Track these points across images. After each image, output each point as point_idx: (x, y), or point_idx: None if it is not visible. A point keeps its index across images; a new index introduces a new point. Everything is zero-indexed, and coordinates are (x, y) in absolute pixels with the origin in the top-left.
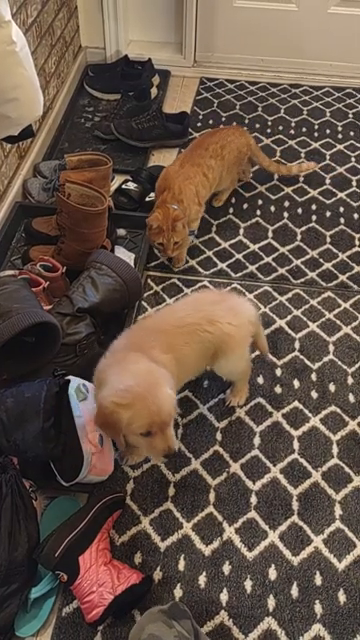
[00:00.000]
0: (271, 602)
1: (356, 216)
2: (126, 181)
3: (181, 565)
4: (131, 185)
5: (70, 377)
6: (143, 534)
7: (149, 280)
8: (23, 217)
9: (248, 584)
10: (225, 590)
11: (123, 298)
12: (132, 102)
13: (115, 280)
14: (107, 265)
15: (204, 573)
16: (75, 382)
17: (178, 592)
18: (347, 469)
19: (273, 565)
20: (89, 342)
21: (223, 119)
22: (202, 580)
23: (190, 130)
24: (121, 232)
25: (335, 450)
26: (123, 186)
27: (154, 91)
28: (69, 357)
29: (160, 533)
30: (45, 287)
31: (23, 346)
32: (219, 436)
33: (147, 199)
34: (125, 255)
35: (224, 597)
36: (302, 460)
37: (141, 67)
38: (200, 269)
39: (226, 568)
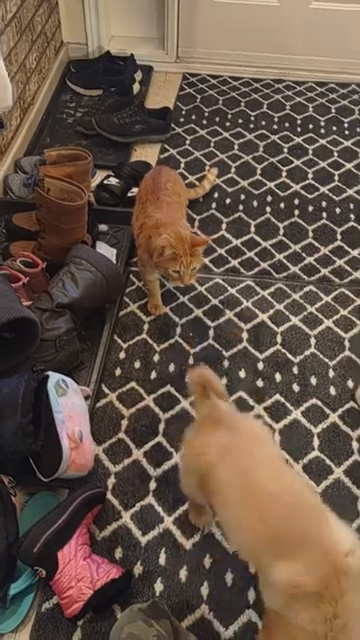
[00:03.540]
0: (251, 594)
1: (338, 210)
2: (108, 176)
3: (162, 559)
4: (113, 180)
5: (49, 372)
6: (124, 529)
7: (131, 276)
8: (4, 213)
9: (229, 577)
10: (206, 583)
11: (103, 293)
12: (114, 97)
13: (95, 275)
14: (87, 260)
15: (185, 567)
16: (54, 377)
17: (159, 586)
18: (328, 461)
19: None
20: (69, 338)
21: (206, 114)
22: (183, 574)
23: (173, 126)
24: (103, 228)
25: (316, 442)
26: (105, 181)
27: (136, 87)
28: (49, 353)
29: (141, 528)
30: (25, 283)
31: (2, 342)
32: None
33: (129, 194)
34: (107, 251)
35: (205, 590)
36: (283, 453)
37: (123, 63)
38: None
39: (207, 561)
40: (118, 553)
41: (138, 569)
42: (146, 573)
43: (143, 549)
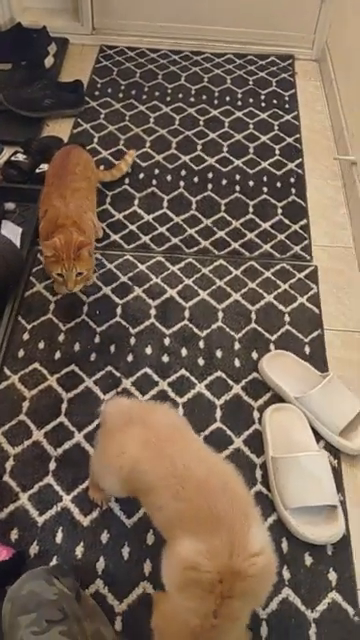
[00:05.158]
0: (147, 567)
1: (251, 183)
2: (15, 153)
3: (59, 538)
4: (20, 157)
5: None
6: (21, 510)
7: (39, 255)
8: None
9: (125, 551)
10: (102, 559)
11: (2, 274)
12: (24, 71)
13: None
14: None
15: (81, 543)
16: None
17: (54, 564)
18: (229, 432)
19: (151, 530)
20: None
21: (122, 87)
22: (79, 550)
23: (87, 99)
24: (9, 206)
25: (218, 414)
26: (12, 158)
27: (49, 60)
28: None
29: (39, 508)
30: None
31: None
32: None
33: (37, 171)
34: (12, 230)
35: (100, 565)
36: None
37: (36, 35)
38: None
39: (104, 537)
40: (14, 535)
41: (34, 549)
42: (42, 552)
43: (40, 529)
